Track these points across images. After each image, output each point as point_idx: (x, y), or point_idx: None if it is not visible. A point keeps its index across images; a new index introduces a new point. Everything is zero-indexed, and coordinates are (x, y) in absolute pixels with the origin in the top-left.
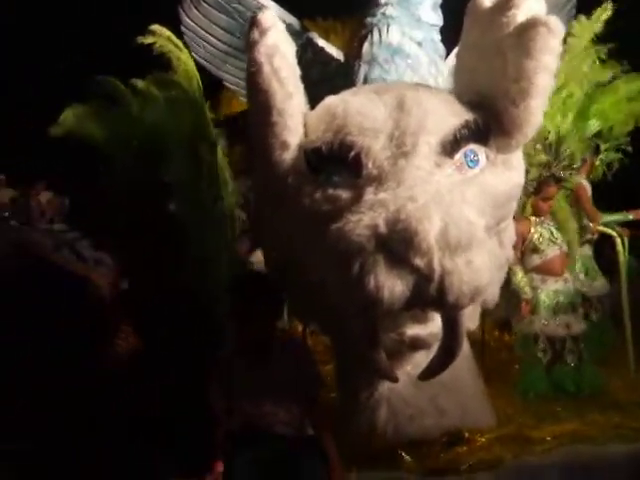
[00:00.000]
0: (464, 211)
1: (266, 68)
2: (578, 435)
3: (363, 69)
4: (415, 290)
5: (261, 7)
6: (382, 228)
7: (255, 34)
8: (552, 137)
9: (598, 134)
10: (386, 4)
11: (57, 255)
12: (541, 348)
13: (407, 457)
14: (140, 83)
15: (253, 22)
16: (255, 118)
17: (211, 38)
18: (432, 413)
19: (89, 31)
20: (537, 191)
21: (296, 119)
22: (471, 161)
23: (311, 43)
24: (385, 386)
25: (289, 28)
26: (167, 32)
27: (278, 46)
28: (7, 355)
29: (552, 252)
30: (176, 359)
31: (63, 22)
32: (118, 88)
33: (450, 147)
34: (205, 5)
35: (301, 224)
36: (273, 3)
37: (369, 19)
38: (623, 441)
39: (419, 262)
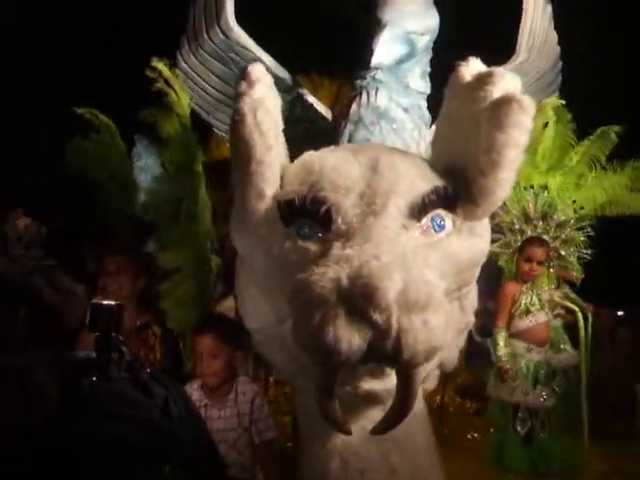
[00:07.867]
0: (425, 273)
1: (249, 119)
2: None
3: (348, 129)
4: (372, 345)
5: (257, 59)
6: (345, 282)
7: (243, 85)
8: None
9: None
10: (376, 69)
11: (29, 282)
12: (521, 418)
13: None
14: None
15: (243, 74)
16: (235, 166)
17: (205, 84)
18: (383, 469)
19: (81, 61)
20: (521, 250)
21: (274, 171)
22: (437, 226)
23: (301, 99)
24: (338, 439)
25: (281, 82)
26: (167, 71)
27: (263, 99)
28: None
29: (541, 318)
30: None
31: (59, 48)
32: (103, 121)
33: (418, 211)
34: (202, 52)
35: (269, 273)
36: (268, 56)
37: (359, 81)
38: None
39: (378, 318)
